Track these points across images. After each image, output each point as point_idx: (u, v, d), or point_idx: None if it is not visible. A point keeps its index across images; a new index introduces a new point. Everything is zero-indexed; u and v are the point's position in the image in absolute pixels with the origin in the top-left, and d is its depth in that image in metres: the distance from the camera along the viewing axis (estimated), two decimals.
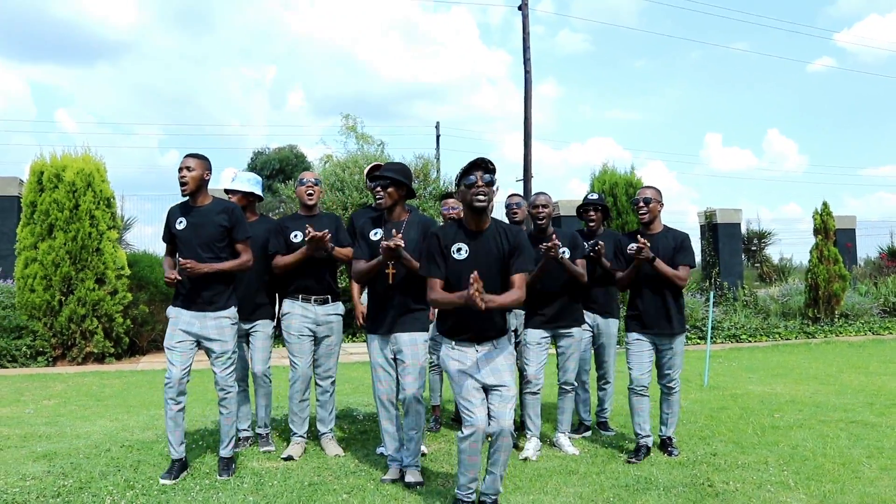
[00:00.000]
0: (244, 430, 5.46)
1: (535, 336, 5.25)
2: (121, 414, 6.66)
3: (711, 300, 9.02)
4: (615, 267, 5.38)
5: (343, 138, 18.00)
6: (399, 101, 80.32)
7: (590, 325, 5.78)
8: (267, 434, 5.39)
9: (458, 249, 3.87)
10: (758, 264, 22.83)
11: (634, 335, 5.17)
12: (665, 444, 5.20)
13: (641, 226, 5.29)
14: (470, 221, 3.90)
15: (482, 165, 3.83)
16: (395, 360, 4.56)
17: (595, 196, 5.88)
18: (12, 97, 78.34)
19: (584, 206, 5.91)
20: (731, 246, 17.25)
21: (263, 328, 5.31)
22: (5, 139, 70.11)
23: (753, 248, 23.37)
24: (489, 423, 3.82)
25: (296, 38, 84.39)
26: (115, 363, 10.66)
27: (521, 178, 20.42)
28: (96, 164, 11.14)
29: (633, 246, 4.96)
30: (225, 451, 4.71)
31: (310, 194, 5.26)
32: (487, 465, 3.92)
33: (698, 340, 12.59)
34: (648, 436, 5.14)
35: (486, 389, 3.86)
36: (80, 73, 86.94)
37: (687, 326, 12.89)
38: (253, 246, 4.98)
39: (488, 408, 3.83)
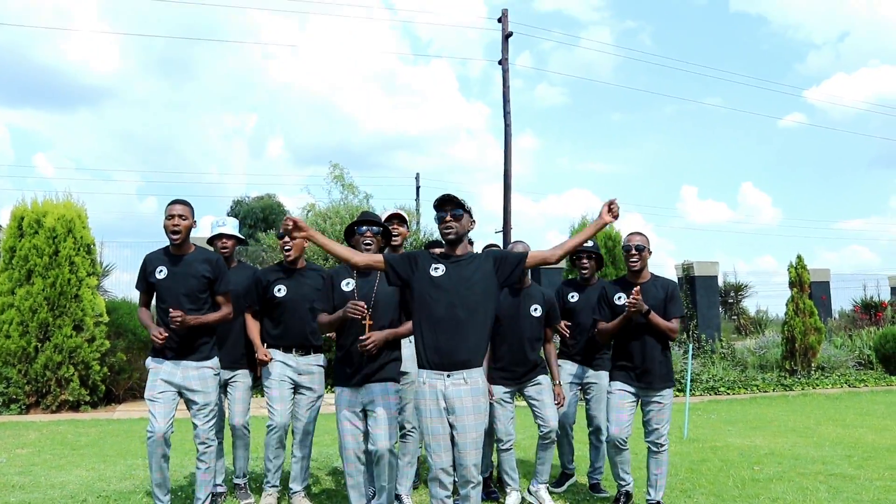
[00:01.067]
0: (218, 485, 5.22)
1: (498, 392, 5.10)
2: (97, 463, 6.56)
3: (690, 352, 9.09)
4: (598, 317, 5.09)
5: (329, 186, 18.09)
6: (379, 152, 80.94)
7: (578, 377, 5.67)
8: (245, 484, 5.27)
9: (436, 269, 3.96)
10: (735, 317, 23.04)
11: (619, 385, 4.93)
12: None
13: (630, 274, 5.04)
14: (448, 252, 4.07)
15: (449, 201, 4.01)
16: (363, 412, 4.42)
17: (590, 244, 5.64)
18: None
19: (578, 254, 5.72)
20: (708, 298, 17.44)
21: (244, 378, 5.22)
22: None
23: (730, 301, 23.59)
24: (454, 469, 3.89)
25: (276, 88, 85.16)
26: (90, 411, 10.49)
27: (501, 229, 20.58)
28: (77, 210, 11.12)
29: (623, 297, 4.83)
30: None
31: (287, 250, 5.18)
32: None
33: (677, 392, 12.62)
34: (630, 484, 5.05)
35: (452, 430, 3.87)
36: (59, 118, 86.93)
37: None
38: (233, 294, 4.94)
39: (453, 453, 3.88)
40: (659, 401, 4.88)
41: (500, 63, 20.62)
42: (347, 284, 4.51)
